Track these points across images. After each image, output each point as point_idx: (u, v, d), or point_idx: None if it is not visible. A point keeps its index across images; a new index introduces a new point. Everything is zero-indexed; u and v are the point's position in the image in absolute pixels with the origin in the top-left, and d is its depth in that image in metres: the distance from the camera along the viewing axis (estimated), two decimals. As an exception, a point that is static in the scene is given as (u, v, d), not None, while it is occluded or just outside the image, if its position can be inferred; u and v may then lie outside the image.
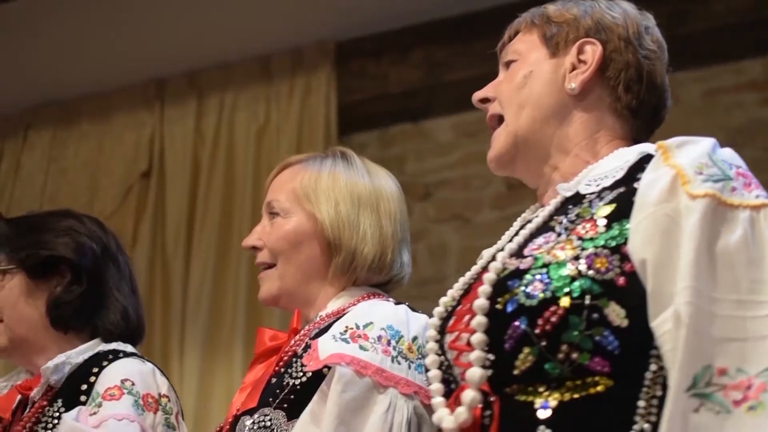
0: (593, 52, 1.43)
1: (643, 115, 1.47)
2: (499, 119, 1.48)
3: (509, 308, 1.22)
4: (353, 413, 1.56)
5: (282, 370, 1.72)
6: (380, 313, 1.69)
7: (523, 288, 1.22)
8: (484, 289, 1.26)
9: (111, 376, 1.91)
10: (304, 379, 1.66)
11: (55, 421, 1.89)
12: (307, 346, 1.71)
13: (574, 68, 1.44)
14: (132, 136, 4.44)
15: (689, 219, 1.16)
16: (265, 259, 1.87)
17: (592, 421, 1.17)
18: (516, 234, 1.42)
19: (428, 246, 3.90)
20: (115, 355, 1.99)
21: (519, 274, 1.24)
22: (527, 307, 1.20)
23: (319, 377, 1.64)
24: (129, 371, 1.93)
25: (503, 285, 1.24)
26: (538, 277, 1.21)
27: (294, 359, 1.72)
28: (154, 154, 4.39)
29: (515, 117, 1.45)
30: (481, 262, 1.43)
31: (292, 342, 1.78)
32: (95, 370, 1.94)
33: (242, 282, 4.02)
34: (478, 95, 1.53)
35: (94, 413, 1.85)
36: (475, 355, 1.23)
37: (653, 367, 1.17)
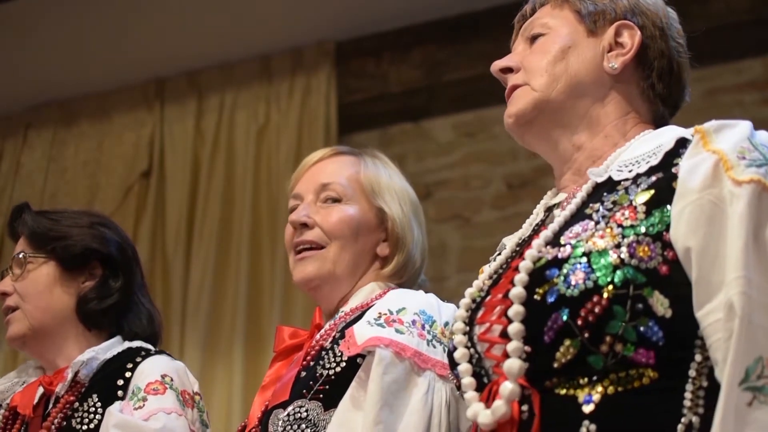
0: (632, 35, 1.42)
1: (669, 104, 1.46)
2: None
3: (549, 299, 1.18)
4: (395, 395, 1.55)
5: (312, 363, 1.71)
6: (413, 300, 1.69)
7: (563, 278, 1.18)
8: (521, 277, 1.22)
9: (149, 371, 1.91)
10: (338, 369, 1.65)
11: (92, 416, 1.88)
12: (335, 339, 1.70)
13: (611, 49, 1.42)
14: (132, 136, 4.44)
15: (735, 206, 1.14)
16: (314, 239, 1.83)
17: (638, 414, 1.14)
18: (542, 222, 1.40)
19: (428, 246, 3.89)
20: (147, 351, 1.99)
21: (558, 263, 1.21)
22: (568, 297, 1.17)
23: (353, 366, 1.63)
24: (167, 367, 1.93)
25: (541, 274, 1.21)
26: (578, 266, 1.18)
27: (323, 352, 1.70)
28: (154, 154, 4.38)
29: (548, 86, 1.41)
30: (505, 252, 1.40)
31: (318, 337, 1.77)
32: (129, 365, 1.93)
33: (242, 282, 4.01)
34: (499, 64, 1.49)
35: (140, 407, 1.84)
36: (513, 345, 1.20)
37: (698, 357, 1.14)
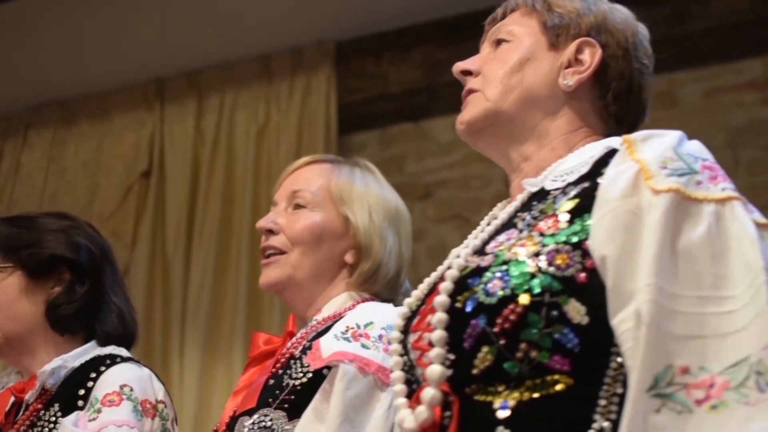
0: (593, 54, 1.42)
1: (626, 124, 1.45)
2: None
3: (468, 307, 1.20)
4: (357, 410, 1.57)
5: (280, 371, 1.72)
6: (380, 314, 1.70)
7: (482, 286, 1.20)
8: (446, 286, 1.24)
9: (109, 381, 1.90)
10: (304, 379, 1.66)
11: (52, 426, 1.88)
12: (305, 348, 1.71)
13: (570, 65, 1.42)
14: (132, 136, 4.44)
15: (652, 214, 1.14)
16: (279, 245, 1.85)
17: (551, 420, 1.14)
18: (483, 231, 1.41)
19: (428, 246, 3.89)
20: (113, 359, 1.98)
21: (479, 271, 1.22)
22: (486, 305, 1.18)
23: (319, 377, 1.64)
24: (127, 377, 1.92)
25: (464, 283, 1.22)
26: (497, 274, 1.19)
27: (292, 361, 1.72)
28: (154, 154, 4.38)
29: (501, 97, 1.42)
30: (447, 261, 1.41)
31: (289, 344, 1.78)
32: (93, 375, 1.93)
33: (242, 282, 4.02)
34: (460, 66, 1.49)
35: (94, 419, 1.84)
36: (435, 352, 1.21)
37: (614, 364, 1.15)
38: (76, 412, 1.87)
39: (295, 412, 1.63)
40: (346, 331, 1.66)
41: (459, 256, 1.30)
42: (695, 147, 1.25)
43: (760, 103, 3.73)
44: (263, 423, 1.65)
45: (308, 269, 1.83)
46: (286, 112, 4.20)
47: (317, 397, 1.62)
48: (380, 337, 1.65)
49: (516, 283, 1.18)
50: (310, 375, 1.66)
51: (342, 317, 1.73)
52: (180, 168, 4.31)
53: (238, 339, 3.94)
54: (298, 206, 1.86)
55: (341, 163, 1.92)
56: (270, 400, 1.67)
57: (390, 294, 1.85)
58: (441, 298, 1.23)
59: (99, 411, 1.85)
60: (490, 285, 1.19)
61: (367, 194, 1.85)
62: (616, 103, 1.43)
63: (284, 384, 1.68)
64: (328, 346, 1.64)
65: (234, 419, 1.71)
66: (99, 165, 4.47)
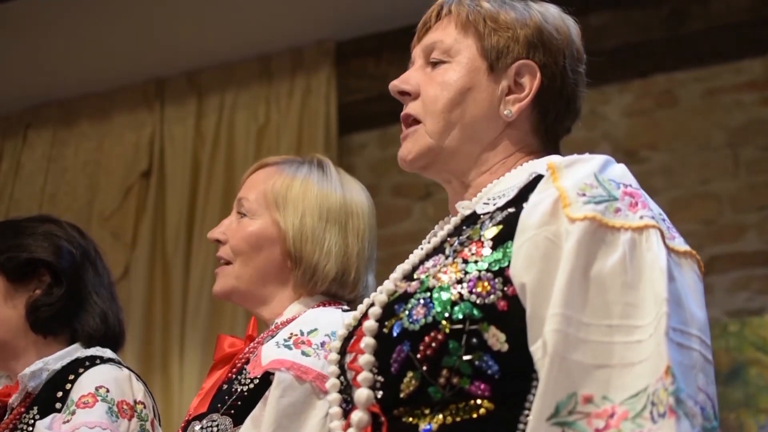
0: (532, 79, 1.38)
1: (560, 132, 1.45)
2: (415, 120, 1.42)
3: (395, 332, 1.21)
4: (290, 418, 1.57)
5: (233, 376, 1.72)
6: (325, 320, 1.69)
7: (407, 312, 1.21)
8: (374, 311, 1.25)
9: (85, 383, 1.90)
10: (251, 385, 1.66)
11: (30, 428, 1.89)
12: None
13: (510, 91, 1.39)
14: (132, 136, 4.44)
15: (567, 243, 1.14)
16: (225, 255, 1.86)
17: None
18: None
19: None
20: (92, 361, 1.98)
21: (405, 297, 1.23)
22: (410, 331, 1.19)
23: (266, 384, 1.63)
24: (104, 378, 1.92)
25: (390, 308, 1.24)
26: (421, 301, 1.20)
27: (245, 366, 1.72)
28: (154, 154, 4.38)
29: (441, 135, 1.39)
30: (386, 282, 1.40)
31: (247, 349, 1.78)
32: (71, 377, 1.93)
33: (242, 282, 4.01)
34: (397, 87, 1.46)
35: (67, 421, 1.84)
36: (363, 376, 1.23)
37: (534, 390, 1.15)
38: (52, 414, 1.88)
39: (240, 418, 1.63)
40: (290, 338, 1.65)
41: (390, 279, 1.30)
42: (618, 172, 1.24)
43: (760, 103, 3.73)
44: (211, 428, 1.65)
45: (249, 277, 1.83)
46: (286, 112, 4.20)
47: (259, 404, 1.62)
48: (322, 344, 1.64)
49: (437, 311, 1.19)
50: (257, 381, 1.65)
51: (292, 322, 1.72)
52: (180, 168, 4.31)
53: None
54: (241, 215, 1.86)
55: (287, 164, 1.89)
56: (219, 405, 1.68)
57: (345, 293, 1.83)
58: (369, 323, 1.25)
59: (73, 413, 1.85)
60: (414, 311, 1.20)
61: (303, 195, 1.82)
62: (555, 122, 1.42)
63: (233, 389, 1.68)
64: (269, 353, 1.64)
65: (188, 423, 1.72)
66: (99, 165, 4.47)
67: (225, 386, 1.72)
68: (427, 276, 1.24)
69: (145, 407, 1.95)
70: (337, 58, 4.17)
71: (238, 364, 1.75)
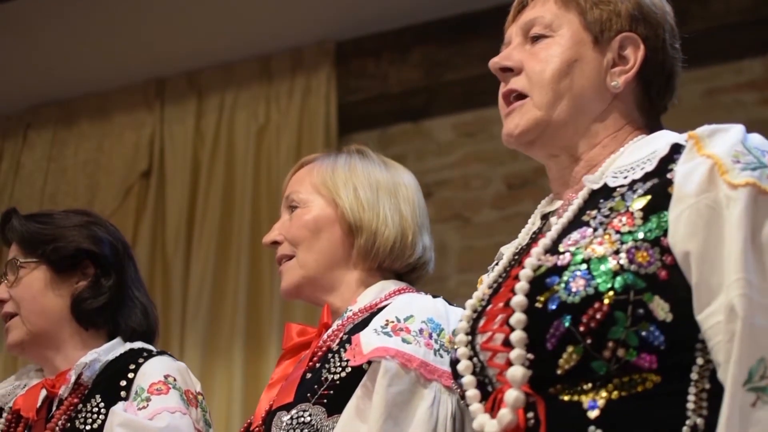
0: (636, 51, 1.40)
1: (661, 109, 1.46)
2: (519, 96, 1.42)
3: (551, 306, 1.19)
4: (400, 407, 1.54)
5: (318, 365, 1.71)
6: (420, 307, 1.68)
7: (563, 285, 1.19)
8: (522, 286, 1.22)
9: (152, 372, 1.92)
10: (343, 374, 1.65)
11: (95, 416, 1.89)
12: (342, 341, 1.70)
13: (615, 64, 1.40)
14: (132, 136, 4.44)
15: (732, 209, 1.15)
16: (286, 252, 1.87)
17: (642, 418, 1.15)
18: (539, 229, 1.40)
19: (428, 246, 3.89)
20: (149, 352, 1.99)
21: (558, 270, 1.21)
22: (570, 304, 1.17)
23: (359, 373, 1.62)
24: (169, 367, 1.94)
25: (541, 282, 1.21)
26: (578, 273, 1.19)
27: (329, 354, 1.70)
28: (154, 154, 4.38)
29: (551, 106, 1.38)
30: (503, 261, 1.40)
31: (325, 337, 1.76)
32: (132, 366, 1.94)
33: (242, 282, 4.01)
34: (499, 63, 1.44)
35: (144, 407, 1.86)
36: (516, 353, 1.20)
37: (700, 360, 1.15)
38: (121, 402, 1.88)
39: (334, 407, 1.62)
40: (386, 325, 1.63)
41: (530, 255, 1.27)
42: (759, 140, 1.27)
43: (760, 103, 3.73)
44: (302, 418, 1.63)
45: (315, 262, 1.83)
46: (286, 112, 4.20)
47: (358, 394, 1.59)
48: (421, 330, 1.62)
49: (600, 282, 1.17)
50: (350, 369, 1.64)
51: (380, 309, 1.71)
52: (180, 168, 4.31)
53: (238, 339, 3.93)
54: (292, 209, 1.88)
55: (326, 156, 1.93)
56: (308, 394, 1.66)
57: (404, 262, 1.83)
58: (519, 299, 1.22)
59: (148, 399, 1.87)
60: (572, 284, 1.19)
61: (351, 173, 1.86)
62: (658, 97, 1.43)
63: (323, 378, 1.66)
64: (369, 341, 1.61)
65: (270, 413, 1.70)
66: (99, 165, 4.47)
67: (310, 375, 1.70)
68: (578, 248, 1.22)
69: (203, 398, 1.98)
70: (337, 58, 4.17)
71: (319, 353, 1.74)
